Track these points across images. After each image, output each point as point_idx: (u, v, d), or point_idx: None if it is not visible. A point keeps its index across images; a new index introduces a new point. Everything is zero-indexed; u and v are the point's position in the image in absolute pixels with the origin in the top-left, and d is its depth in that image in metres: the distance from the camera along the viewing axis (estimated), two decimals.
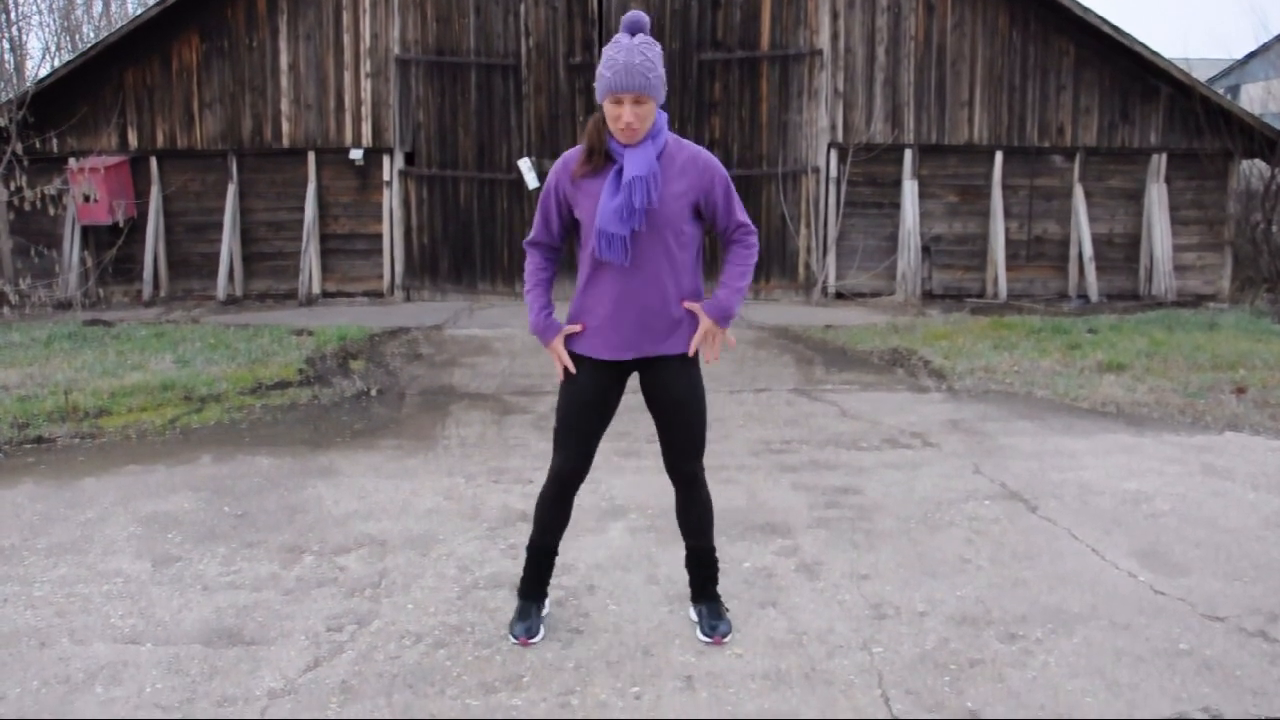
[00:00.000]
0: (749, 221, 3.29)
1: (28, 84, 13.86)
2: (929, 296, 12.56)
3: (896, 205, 12.58)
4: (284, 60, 12.52)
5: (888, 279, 12.64)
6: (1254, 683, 3.09)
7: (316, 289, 12.67)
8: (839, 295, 12.63)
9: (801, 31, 12.42)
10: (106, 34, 13.95)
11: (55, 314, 11.32)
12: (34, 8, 28.36)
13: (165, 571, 3.98)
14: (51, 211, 11.64)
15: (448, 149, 12.64)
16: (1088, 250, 12.44)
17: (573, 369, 3.24)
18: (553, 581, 3.57)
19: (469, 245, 12.51)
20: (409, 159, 12.67)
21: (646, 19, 3.09)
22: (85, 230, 12.41)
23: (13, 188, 11.20)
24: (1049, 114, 12.51)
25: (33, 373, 7.71)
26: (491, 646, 3.34)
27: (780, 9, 12.38)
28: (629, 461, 5.40)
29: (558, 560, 3.59)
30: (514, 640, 3.35)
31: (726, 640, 3.36)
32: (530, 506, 3.69)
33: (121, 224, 12.36)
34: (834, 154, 12.51)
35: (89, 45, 14.22)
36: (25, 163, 11.37)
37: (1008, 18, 12.38)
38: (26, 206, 11.23)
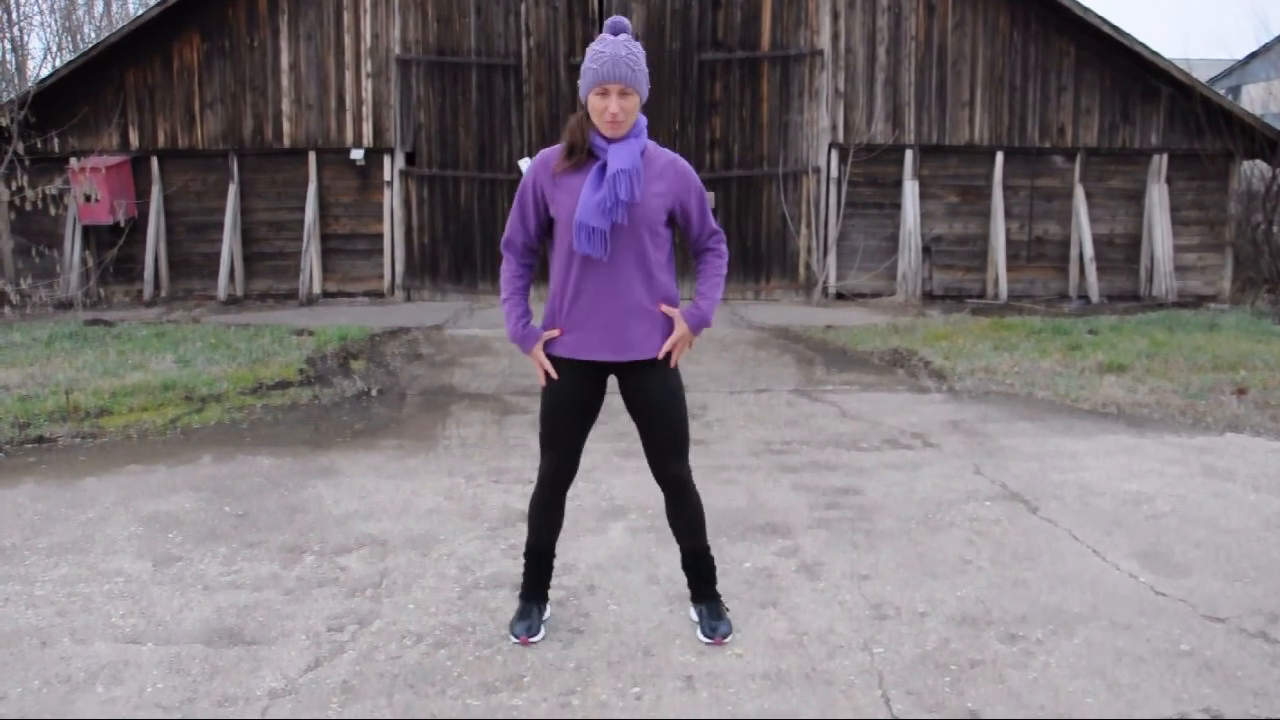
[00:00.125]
0: (720, 229, 3.40)
1: (29, 84, 13.87)
2: (929, 297, 12.56)
3: (897, 206, 12.58)
4: (285, 60, 12.53)
5: (888, 279, 12.64)
6: (1255, 684, 3.09)
7: (317, 289, 12.68)
8: (839, 296, 12.63)
9: (802, 32, 12.42)
10: (108, 34, 13.96)
11: (56, 314, 11.32)
12: (35, 8, 28.39)
13: (166, 571, 3.98)
14: (53, 211, 11.65)
15: (448, 149, 12.64)
16: (1088, 251, 12.44)
17: (554, 374, 3.25)
18: (553, 581, 3.58)
19: (469, 245, 12.51)
20: (410, 159, 12.68)
21: (628, 22, 3.17)
22: (86, 230, 12.41)
23: (14, 187, 11.20)
24: (1050, 114, 12.51)
25: (34, 372, 7.72)
26: (492, 646, 3.34)
27: (781, 9, 12.38)
28: (629, 462, 5.40)
29: (558, 560, 3.59)
30: (515, 640, 3.36)
31: (727, 641, 3.36)
32: None
33: (122, 224, 12.37)
34: (835, 154, 12.52)
35: (90, 45, 14.23)
36: (27, 162, 11.38)
37: (1008, 18, 12.38)
38: (28, 206, 11.24)
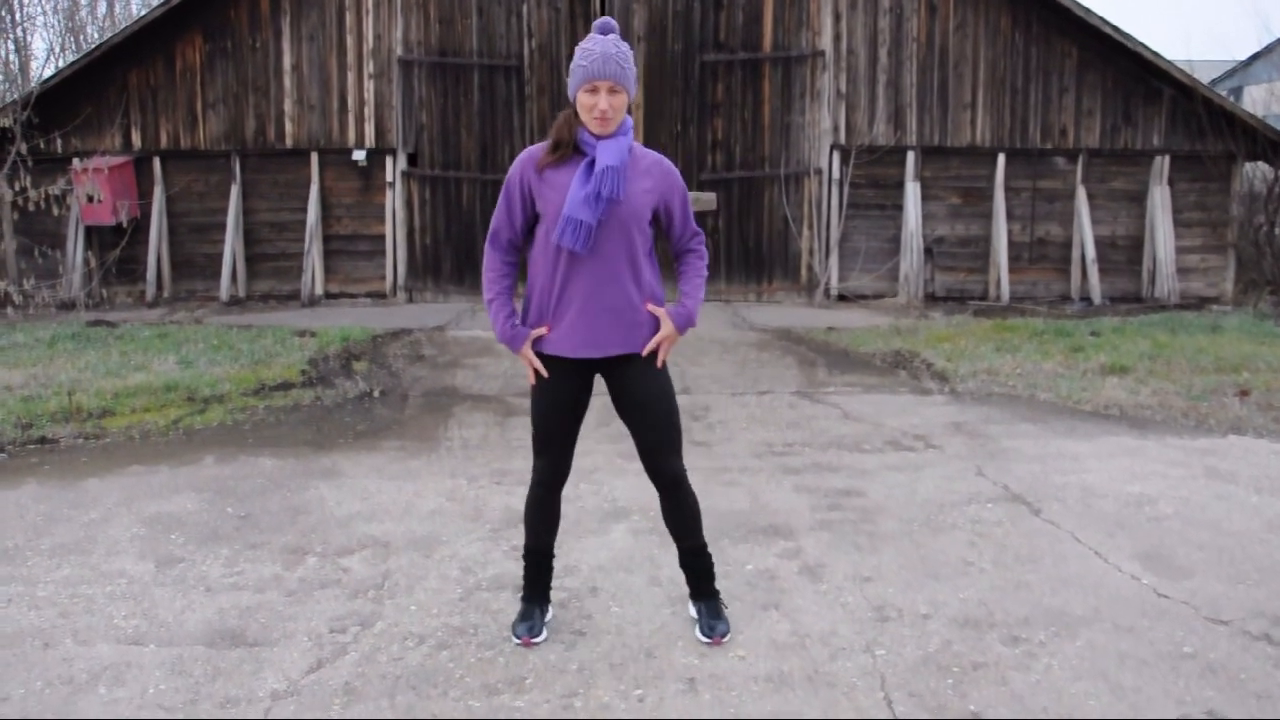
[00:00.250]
0: (701, 230, 3.44)
1: (32, 85, 13.88)
2: (931, 299, 12.56)
3: (899, 207, 12.58)
4: (287, 61, 12.54)
5: (890, 281, 12.64)
6: (1258, 686, 3.09)
7: (319, 290, 12.69)
8: (841, 297, 12.63)
9: (804, 33, 12.42)
10: (110, 35, 13.97)
11: (59, 314, 11.33)
12: (39, 9, 28.40)
13: (168, 572, 3.98)
14: (55, 212, 11.66)
15: (450, 150, 12.65)
16: (1090, 252, 12.44)
17: (545, 373, 3.26)
18: (555, 583, 3.58)
19: (471, 246, 12.51)
20: (412, 160, 12.69)
21: (615, 23, 3.21)
22: (89, 231, 12.43)
23: (17, 188, 11.21)
24: (1051, 116, 12.51)
25: (36, 373, 7.73)
26: (494, 648, 3.34)
27: (782, 10, 12.38)
28: (631, 464, 5.38)
29: (560, 562, 3.59)
30: (517, 641, 3.36)
31: (725, 640, 3.36)
32: None
33: (125, 224, 12.38)
34: (836, 156, 12.52)
35: (93, 46, 14.26)
36: (30, 163, 11.39)
37: (1010, 19, 12.38)
38: (31, 207, 11.25)
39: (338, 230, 12.78)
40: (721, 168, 12.53)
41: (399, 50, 12.47)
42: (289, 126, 12.61)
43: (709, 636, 3.37)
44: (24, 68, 20.22)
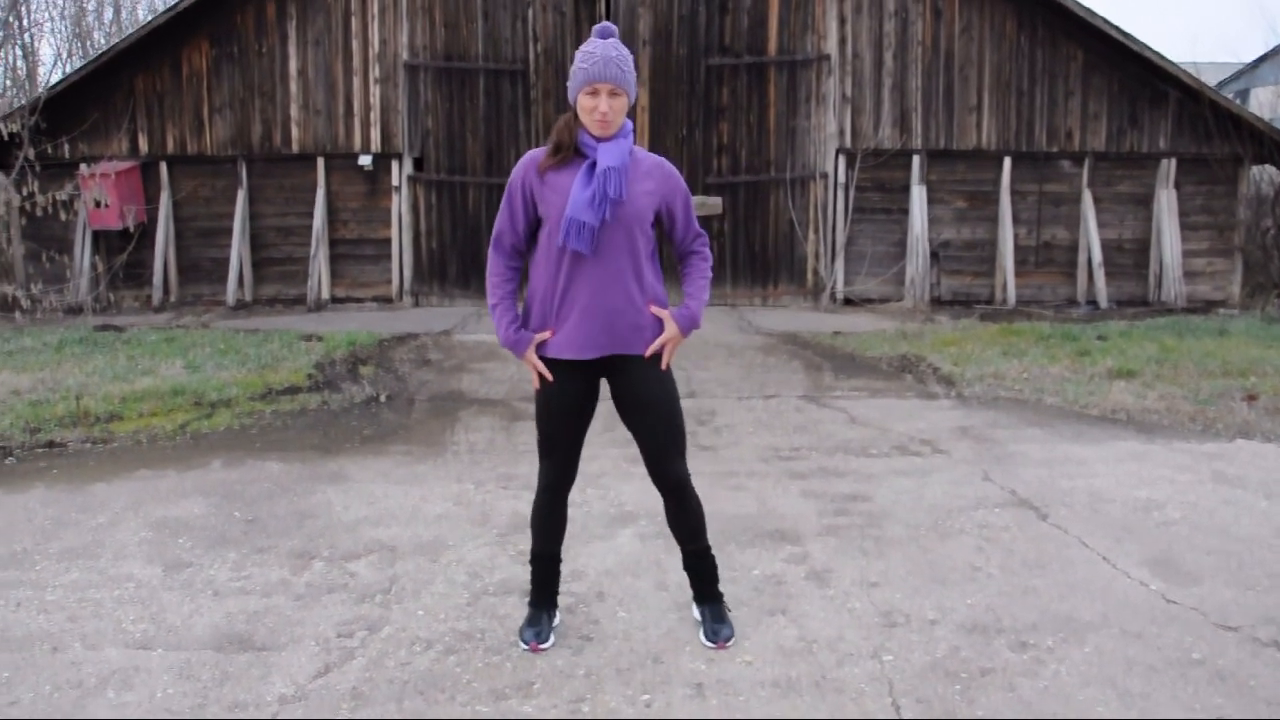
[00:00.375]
0: (704, 232, 3.44)
1: (40, 90, 13.95)
2: (937, 302, 12.55)
3: (905, 211, 12.58)
4: (293, 66, 12.57)
5: (896, 285, 12.63)
6: (1268, 693, 3.08)
7: (325, 294, 12.71)
8: (847, 301, 12.62)
9: (809, 37, 12.43)
10: (117, 40, 14.03)
11: (66, 319, 11.37)
12: (46, 15, 28.52)
13: (176, 576, 3.99)
14: (63, 217, 11.71)
15: (456, 154, 12.67)
16: (1097, 256, 12.42)
17: (549, 377, 3.26)
18: (562, 588, 3.58)
19: (477, 251, 12.53)
20: (417, 164, 12.71)
21: (615, 27, 3.24)
22: (96, 235, 12.47)
23: (25, 193, 11.27)
24: (1057, 119, 12.50)
25: (44, 377, 7.75)
26: (502, 653, 3.34)
27: (788, 14, 12.39)
28: (637, 468, 5.38)
29: (567, 567, 3.59)
30: (524, 646, 3.36)
31: (730, 644, 3.35)
32: None
33: (132, 229, 12.42)
34: (842, 159, 12.52)
35: (100, 51, 14.30)
36: (37, 168, 11.44)
37: (1015, 22, 12.37)
38: (38, 212, 11.31)
39: (344, 235, 12.81)
40: (727, 171, 12.54)
41: (404, 55, 12.50)
42: (295, 131, 12.64)
43: (713, 640, 3.36)
44: (32, 73, 20.31)
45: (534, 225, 3.31)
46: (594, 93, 3.12)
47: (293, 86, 12.59)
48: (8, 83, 19.37)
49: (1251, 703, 3.02)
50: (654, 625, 3.54)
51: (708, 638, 3.38)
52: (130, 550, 4.27)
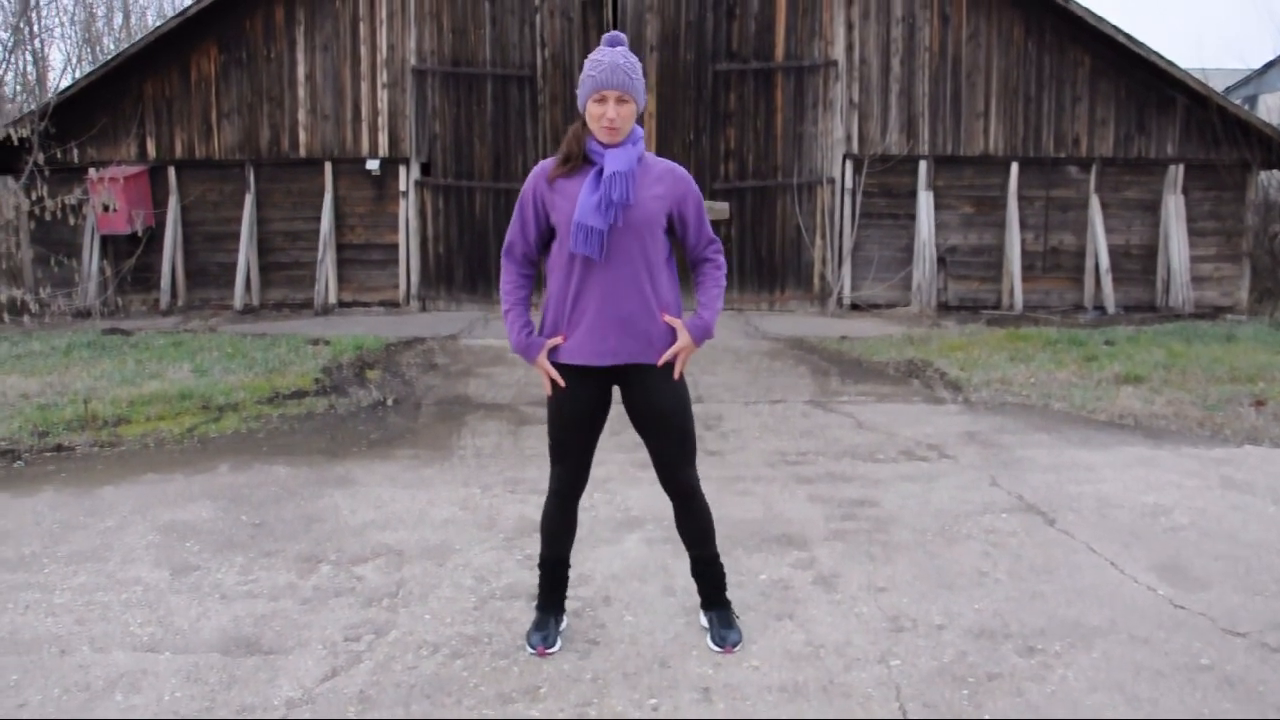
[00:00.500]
0: (717, 238, 3.41)
1: (50, 95, 14.01)
2: (944, 308, 12.53)
3: (912, 216, 12.57)
4: (301, 71, 12.62)
5: (903, 290, 12.62)
6: (1277, 699, 3.06)
7: (332, 299, 12.74)
8: (854, 306, 12.62)
9: (816, 43, 12.44)
10: (126, 46, 14.10)
11: (74, 322, 11.41)
12: (56, 20, 28.68)
13: (184, 580, 4.00)
14: (71, 221, 11.77)
15: (463, 159, 12.70)
16: (1104, 261, 12.40)
17: (561, 382, 3.26)
18: (569, 593, 3.57)
19: (484, 255, 12.55)
20: (425, 169, 12.74)
21: (624, 36, 3.25)
22: (104, 240, 12.52)
23: (34, 197, 11.32)
24: (1065, 125, 12.49)
25: (52, 381, 7.78)
26: (509, 657, 3.34)
27: (795, 20, 12.41)
28: (645, 473, 5.39)
29: (574, 572, 3.59)
30: (531, 651, 3.36)
31: (737, 650, 3.35)
32: None
33: (140, 233, 12.47)
34: (849, 165, 12.52)
35: (109, 57, 14.38)
36: (46, 173, 11.50)
37: (1023, 28, 12.37)
38: (47, 216, 11.35)
39: (351, 239, 12.85)
40: (734, 177, 12.55)
41: (412, 60, 12.54)
42: (303, 136, 12.69)
43: (720, 646, 3.36)
44: (41, 78, 20.41)
45: (547, 235, 3.32)
46: (602, 100, 3.14)
47: (301, 91, 12.64)
48: (18, 88, 19.47)
49: (1260, 708, 3.01)
50: (661, 630, 3.54)
51: (715, 643, 3.38)
52: (138, 553, 4.28)
